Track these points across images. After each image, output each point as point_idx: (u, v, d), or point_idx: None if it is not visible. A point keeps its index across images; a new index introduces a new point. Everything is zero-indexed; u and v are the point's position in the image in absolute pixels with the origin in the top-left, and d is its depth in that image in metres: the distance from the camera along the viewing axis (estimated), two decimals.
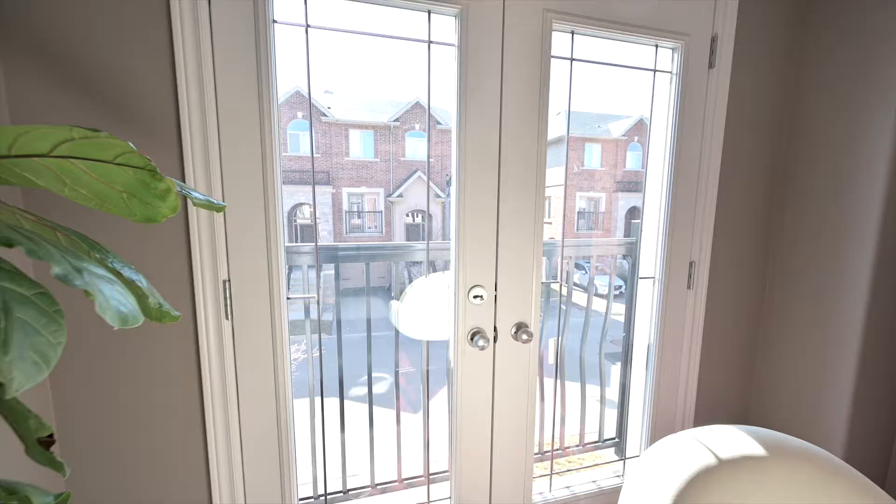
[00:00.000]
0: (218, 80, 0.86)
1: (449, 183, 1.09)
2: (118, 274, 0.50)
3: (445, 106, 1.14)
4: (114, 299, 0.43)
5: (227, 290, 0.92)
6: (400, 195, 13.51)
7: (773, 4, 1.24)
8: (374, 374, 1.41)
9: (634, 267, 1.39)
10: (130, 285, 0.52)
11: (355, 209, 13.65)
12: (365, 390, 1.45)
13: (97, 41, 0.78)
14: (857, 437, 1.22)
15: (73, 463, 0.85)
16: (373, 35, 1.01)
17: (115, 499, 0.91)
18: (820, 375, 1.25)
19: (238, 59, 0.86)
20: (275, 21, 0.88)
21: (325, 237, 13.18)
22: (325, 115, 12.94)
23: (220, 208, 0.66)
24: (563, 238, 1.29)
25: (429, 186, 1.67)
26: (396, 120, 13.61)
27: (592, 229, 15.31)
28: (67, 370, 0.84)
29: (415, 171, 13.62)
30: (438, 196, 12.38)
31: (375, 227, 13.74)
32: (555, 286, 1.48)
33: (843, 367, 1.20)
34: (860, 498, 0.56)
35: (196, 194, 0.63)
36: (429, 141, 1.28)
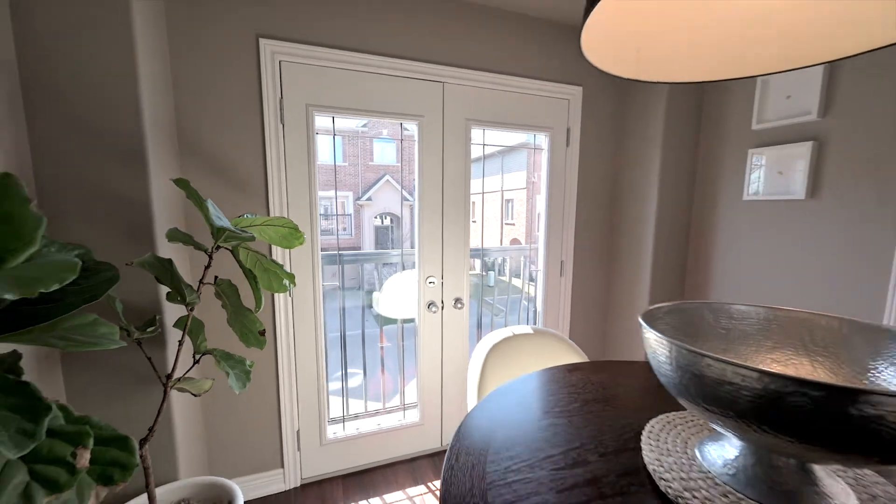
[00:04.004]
0: (287, 164, 1.57)
1: (416, 188, 1.82)
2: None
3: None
4: (287, 278, 1.18)
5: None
6: (369, 198, 14.08)
7: (602, 111, 2.08)
8: (359, 362, 2.16)
9: (537, 263, 2.21)
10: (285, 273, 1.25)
11: (325, 212, 14.06)
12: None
13: (227, 149, 1.48)
14: None
15: (204, 364, 1.54)
16: (370, 137, 1.75)
17: (223, 392, 1.60)
18: (634, 324, 2.12)
19: (298, 151, 1.58)
20: (317, 133, 1.60)
21: None
22: None
23: (304, 240, 1.39)
24: (488, 243, 2.08)
25: (402, 196, 2.41)
26: (364, 125, 14.14)
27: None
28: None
29: (383, 175, 14.21)
30: (406, 199, 13.07)
31: (345, 230, 14.22)
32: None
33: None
34: (575, 355, 1.38)
35: None
36: (401, 171, 2.01)
